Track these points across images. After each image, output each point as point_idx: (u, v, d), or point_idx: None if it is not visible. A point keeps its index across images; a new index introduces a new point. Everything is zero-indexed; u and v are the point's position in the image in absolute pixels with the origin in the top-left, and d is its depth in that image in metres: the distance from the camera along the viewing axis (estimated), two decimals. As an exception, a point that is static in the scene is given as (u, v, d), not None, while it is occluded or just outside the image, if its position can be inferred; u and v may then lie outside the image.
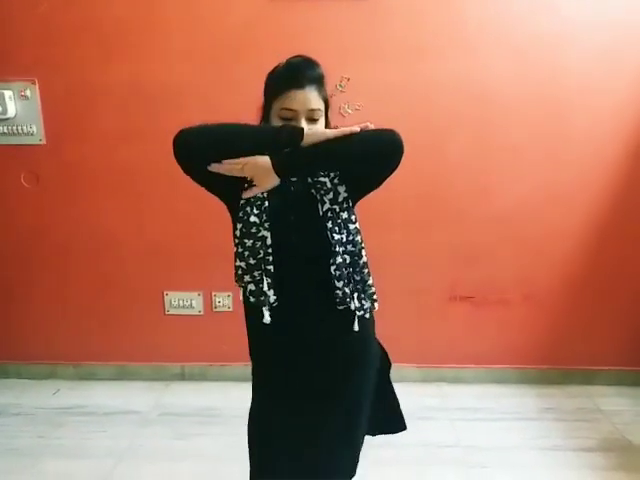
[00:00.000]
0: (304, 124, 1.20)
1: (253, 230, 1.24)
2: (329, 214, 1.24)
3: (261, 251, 1.24)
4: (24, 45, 2.33)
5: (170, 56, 2.33)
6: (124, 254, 2.58)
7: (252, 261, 1.25)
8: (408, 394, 2.58)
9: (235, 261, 1.29)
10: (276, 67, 1.30)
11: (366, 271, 1.31)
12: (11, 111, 2.37)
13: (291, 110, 1.20)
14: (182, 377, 2.73)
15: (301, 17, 2.28)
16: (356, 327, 1.30)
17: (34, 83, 2.37)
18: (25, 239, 2.57)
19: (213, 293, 2.60)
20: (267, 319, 1.26)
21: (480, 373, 2.70)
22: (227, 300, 2.60)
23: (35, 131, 2.41)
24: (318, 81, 1.24)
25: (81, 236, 2.55)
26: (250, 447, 1.53)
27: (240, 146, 1.17)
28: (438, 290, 2.61)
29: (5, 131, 2.41)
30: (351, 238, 1.27)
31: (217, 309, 2.61)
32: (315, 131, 1.19)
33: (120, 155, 2.43)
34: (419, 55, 2.31)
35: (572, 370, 2.68)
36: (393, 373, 2.65)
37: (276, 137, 1.18)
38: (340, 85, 2.33)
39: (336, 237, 1.23)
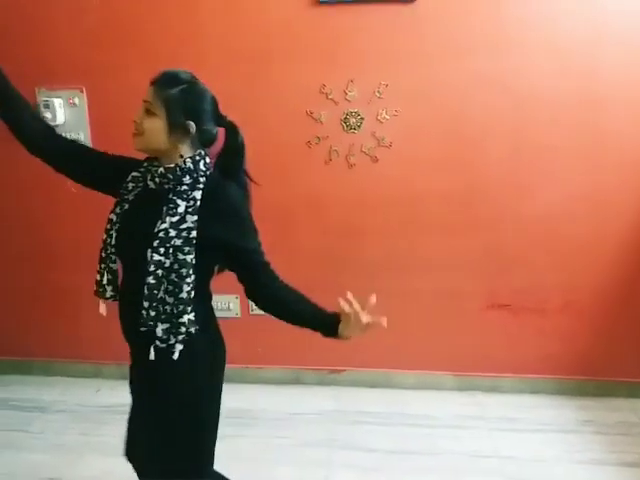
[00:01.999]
0: (138, 115, 1.31)
1: (108, 226, 1.36)
2: (161, 234, 1.24)
3: (108, 247, 1.36)
4: (72, 55, 2.43)
5: (211, 63, 2.37)
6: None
7: (102, 254, 1.39)
8: (443, 402, 2.59)
9: None
10: None
11: (182, 308, 1.26)
12: (60, 118, 2.47)
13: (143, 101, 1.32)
14: (219, 378, 2.78)
15: (343, 23, 2.30)
16: (152, 355, 1.28)
17: (82, 91, 2.47)
18: (74, 243, 2.66)
19: (250, 297, 2.64)
20: (102, 311, 1.43)
21: (517, 383, 2.66)
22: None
23: (82, 137, 2.50)
24: (161, 84, 1.30)
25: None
26: None
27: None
28: (474, 296, 2.58)
29: (54, 137, 2.50)
30: (177, 267, 1.24)
31: (254, 312, 2.64)
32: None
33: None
34: (457, 56, 2.30)
35: (614, 382, 2.60)
36: (427, 380, 2.65)
37: None
38: (378, 92, 2.34)
39: (156, 257, 1.23)
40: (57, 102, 2.45)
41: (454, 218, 2.48)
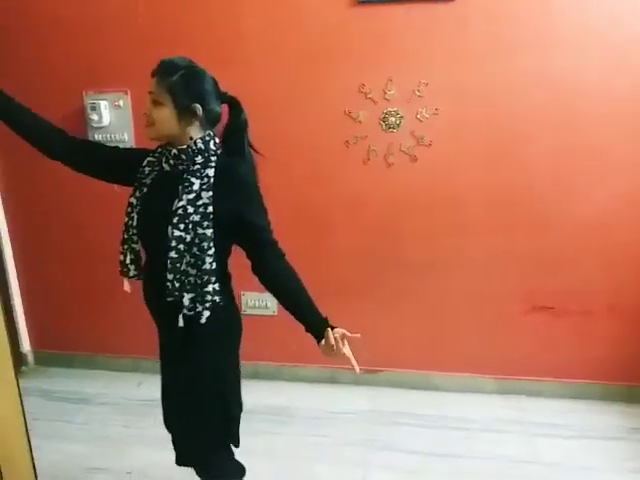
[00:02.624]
0: (147, 105, 1.38)
1: (129, 210, 1.45)
2: (179, 211, 1.33)
3: (130, 229, 1.46)
4: (117, 59, 2.49)
5: (253, 63, 2.40)
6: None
7: (125, 235, 1.48)
8: (483, 405, 2.54)
9: None
10: None
11: (206, 278, 1.35)
12: (106, 120, 2.54)
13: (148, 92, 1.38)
14: (256, 375, 2.80)
15: (382, 22, 2.28)
16: (180, 322, 1.38)
17: (126, 93, 2.53)
18: (116, 242, 2.71)
19: (287, 295, 2.65)
20: (127, 288, 1.55)
21: (560, 387, 2.59)
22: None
23: (127, 138, 2.57)
24: (162, 73, 1.36)
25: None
26: None
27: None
28: (516, 298, 2.53)
29: (100, 138, 2.58)
30: (197, 241, 1.33)
31: (290, 310, 2.65)
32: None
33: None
34: (498, 54, 2.26)
35: (662, 389, 2.51)
36: (466, 383, 2.61)
37: None
38: (418, 90, 2.32)
39: (176, 233, 1.33)
40: (103, 104, 2.52)
41: (496, 218, 2.43)
